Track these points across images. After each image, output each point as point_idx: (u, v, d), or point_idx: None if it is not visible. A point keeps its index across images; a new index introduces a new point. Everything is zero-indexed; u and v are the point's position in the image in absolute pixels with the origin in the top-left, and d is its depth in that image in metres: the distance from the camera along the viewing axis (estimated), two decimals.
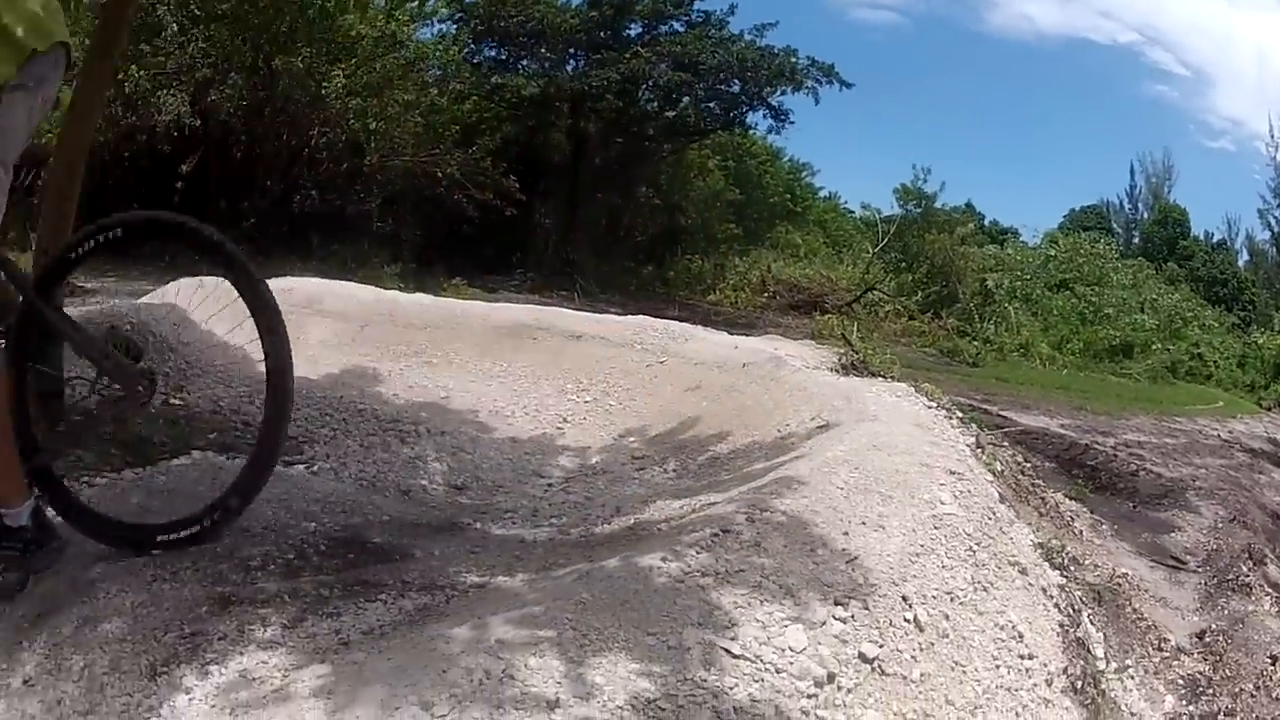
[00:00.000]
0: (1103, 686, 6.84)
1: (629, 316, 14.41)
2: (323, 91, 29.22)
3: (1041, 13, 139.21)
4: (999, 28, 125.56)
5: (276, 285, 13.04)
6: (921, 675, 5.31)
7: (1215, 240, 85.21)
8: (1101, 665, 7.11)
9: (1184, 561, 11.91)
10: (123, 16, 8.95)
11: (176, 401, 9.37)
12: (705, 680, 4.45)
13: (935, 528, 6.56)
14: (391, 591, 5.65)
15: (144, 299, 12.82)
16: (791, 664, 4.79)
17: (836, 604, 5.31)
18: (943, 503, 6.94)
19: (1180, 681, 8.43)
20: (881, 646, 5.21)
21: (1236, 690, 8.56)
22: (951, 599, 5.97)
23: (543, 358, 12.24)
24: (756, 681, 4.60)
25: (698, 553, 5.51)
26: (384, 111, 30.56)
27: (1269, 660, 9.32)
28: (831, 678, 4.87)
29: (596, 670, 4.29)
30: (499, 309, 14.17)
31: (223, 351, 11.30)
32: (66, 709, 4.50)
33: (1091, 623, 7.88)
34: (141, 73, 26.51)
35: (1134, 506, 14.42)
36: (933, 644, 5.54)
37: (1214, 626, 9.82)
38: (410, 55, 33.34)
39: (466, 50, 38.23)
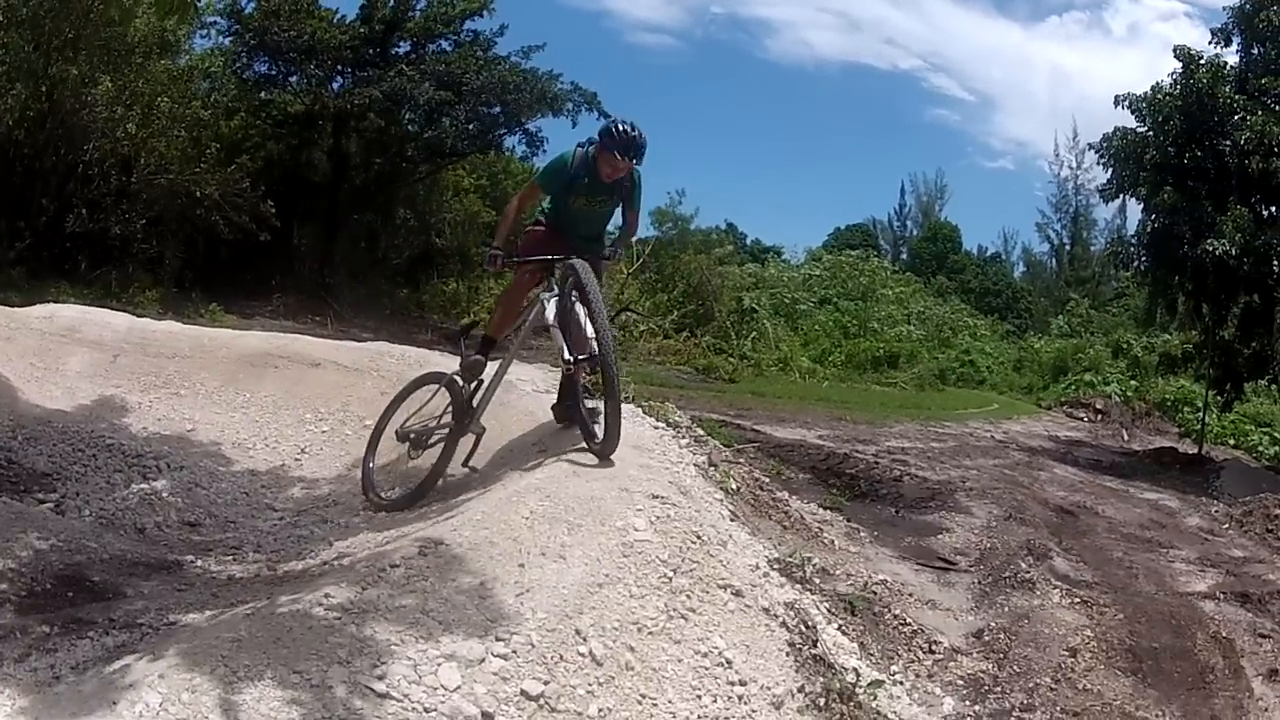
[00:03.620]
0: (860, 698, 6.89)
1: (369, 343, 14.55)
2: (88, 98, 28.49)
3: (822, 40, 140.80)
4: (778, 54, 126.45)
5: (38, 313, 13.11)
6: (600, 711, 5.43)
7: (989, 254, 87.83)
8: (852, 678, 7.14)
9: (953, 562, 11.92)
10: None
11: None
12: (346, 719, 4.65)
13: (624, 555, 6.57)
14: (99, 629, 5.95)
15: None
16: (443, 703, 4.96)
17: (498, 640, 5.43)
18: (636, 529, 6.90)
19: (960, 682, 8.53)
20: (548, 683, 5.34)
21: (1031, 685, 8.59)
22: (639, 629, 6.03)
23: (284, 386, 12.23)
24: None
25: (362, 589, 5.65)
26: (149, 122, 30.00)
27: (1067, 652, 9.29)
28: (488, 717, 5.05)
29: (241, 706, 4.52)
30: (243, 337, 14.11)
31: None
32: None
33: (844, 633, 8.12)
34: None
35: (897, 511, 14.39)
36: (613, 678, 5.64)
37: (994, 624, 9.79)
38: (184, 65, 33.06)
39: (238, 64, 37.65)
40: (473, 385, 9.50)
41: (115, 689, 4.60)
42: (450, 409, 9.61)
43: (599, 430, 8.52)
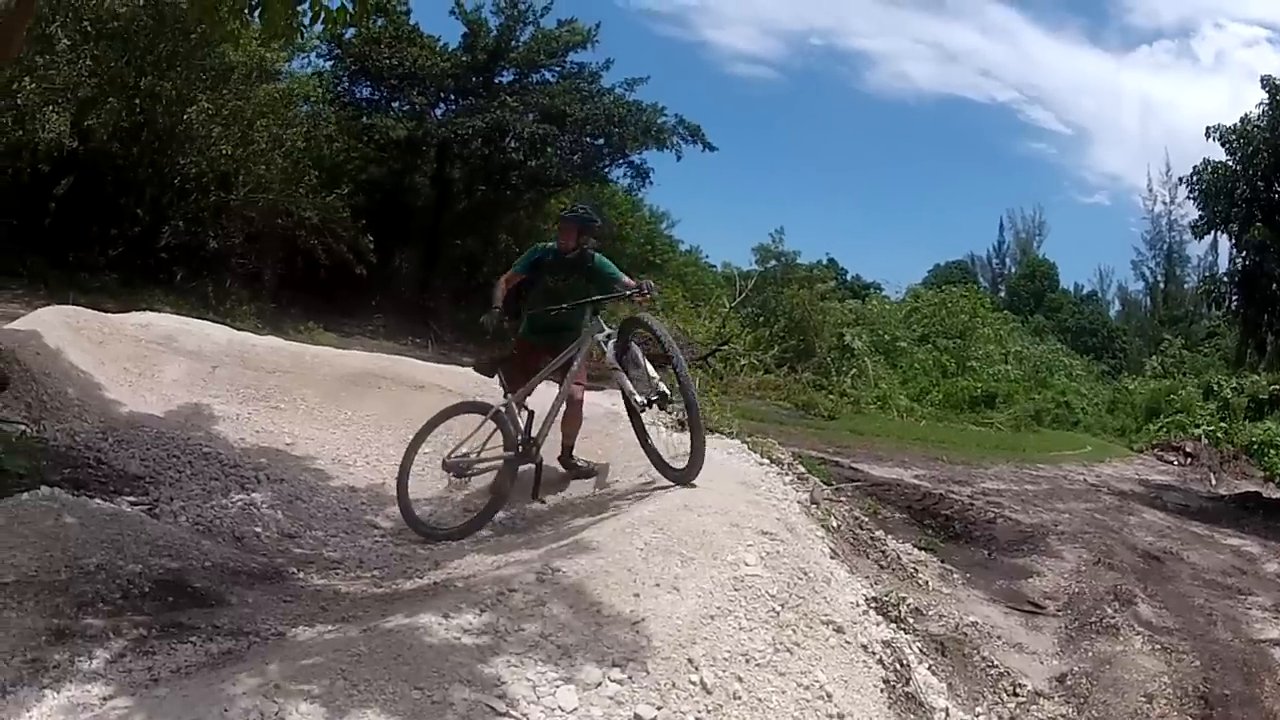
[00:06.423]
0: None
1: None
2: (185, 117, 28.72)
3: (919, 72, 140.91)
4: (876, 86, 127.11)
5: (135, 320, 13.00)
6: None
7: (1085, 292, 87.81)
8: (941, 717, 7.21)
9: (1042, 606, 11.94)
10: (17, 26, 8.82)
11: (34, 434, 9.41)
12: None
13: (735, 589, 6.59)
14: (202, 635, 5.90)
15: (10, 325, 12.54)
16: None
17: (614, 666, 5.46)
18: (747, 564, 6.94)
19: None
20: (660, 709, 5.35)
21: None
22: (747, 661, 6.03)
23: (387, 407, 12.15)
24: None
25: (480, 611, 5.68)
26: (248, 143, 30.11)
27: (1144, 698, 9.36)
28: None
29: (362, 718, 4.52)
30: (346, 356, 14.06)
31: (80, 386, 11.21)
32: None
33: (934, 673, 8.07)
34: (33, 85, 25.97)
35: (989, 554, 14.42)
36: (721, 706, 5.63)
37: (1076, 669, 9.86)
38: (284, 89, 33.06)
39: (339, 89, 38.15)
40: (524, 415, 9.66)
41: (225, 697, 4.57)
42: (501, 440, 9.65)
43: (679, 459, 8.82)
